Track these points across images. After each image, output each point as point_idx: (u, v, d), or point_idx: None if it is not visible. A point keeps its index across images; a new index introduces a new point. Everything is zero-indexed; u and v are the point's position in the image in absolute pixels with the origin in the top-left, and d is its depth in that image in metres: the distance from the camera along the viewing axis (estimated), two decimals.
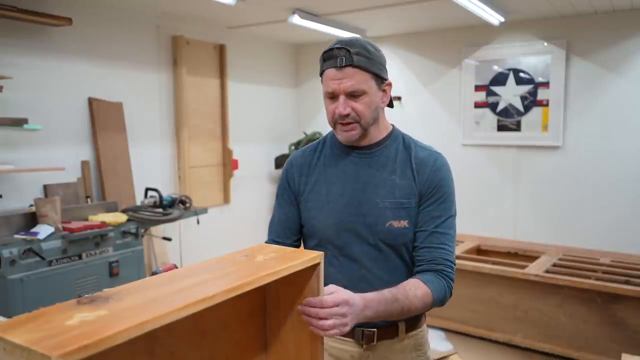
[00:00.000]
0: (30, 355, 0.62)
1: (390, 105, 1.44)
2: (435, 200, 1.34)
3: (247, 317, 1.16)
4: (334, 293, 1.11)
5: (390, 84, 1.38)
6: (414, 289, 1.25)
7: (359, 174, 1.38)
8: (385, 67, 1.36)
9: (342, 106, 1.30)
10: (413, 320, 1.42)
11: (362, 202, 1.35)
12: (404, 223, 1.33)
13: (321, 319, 1.07)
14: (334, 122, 1.36)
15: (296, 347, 1.15)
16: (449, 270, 1.33)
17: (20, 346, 0.63)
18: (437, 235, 1.33)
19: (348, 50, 1.28)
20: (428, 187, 1.34)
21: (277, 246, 1.19)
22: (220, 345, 1.12)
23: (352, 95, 1.30)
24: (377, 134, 1.40)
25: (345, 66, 1.28)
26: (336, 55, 1.29)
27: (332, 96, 1.33)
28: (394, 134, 1.43)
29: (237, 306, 1.12)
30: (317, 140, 1.52)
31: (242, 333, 1.16)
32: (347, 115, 1.31)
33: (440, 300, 1.31)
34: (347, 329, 1.10)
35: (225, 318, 1.12)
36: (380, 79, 1.34)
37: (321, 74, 1.36)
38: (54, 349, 0.61)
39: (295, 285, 1.11)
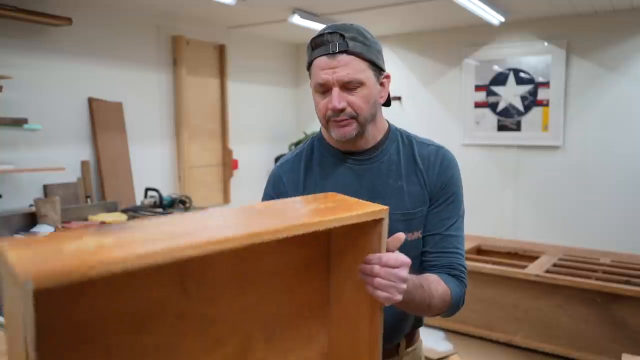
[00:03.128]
0: (11, 275, 0.59)
1: (388, 103, 1.25)
2: (445, 200, 1.21)
3: (307, 272, 1.03)
4: (397, 252, 0.95)
5: (388, 76, 1.21)
6: (435, 283, 1.11)
7: (361, 184, 1.20)
8: (382, 57, 1.18)
9: (337, 99, 1.10)
10: (412, 334, 1.32)
11: None
12: (418, 234, 1.19)
13: (377, 277, 0.92)
14: (326, 119, 1.15)
15: (355, 312, 1.02)
16: (464, 276, 1.20)
17: (6, 263, 0.61)
18: (450, 239, 1.19)
19: (342, 35, 1.09)
20: (438, 188, 1.20)
21: (340, 195, 1.03)
22: (269, 296, 1.00)
23: (348, 87, 1.11)
24: (375, 135, 1.22)
25: (339, 52, 1.09)
26: (328, 41, 1.10)
27: (323, 89, 1.13)
28: (392, 132, 1.25)
29: (294, 258, 1.01)
30: (300, 147, 1.29)
31: (299, 288, 1.03)
32: (343, 111, 1.12)
33: (455, 305, 1.17)
34: (399, 297, 0.93)
35: (277, 268, 1.00)
36: (378, 69, 1.16)
37: (309, 65, 1.16)
38: (28, 272, 0.56)
39: (359, 241, 0.97)
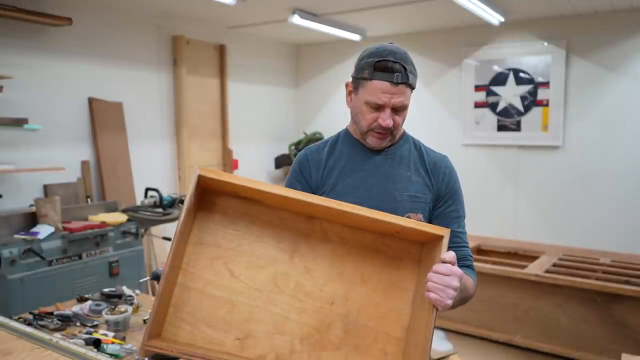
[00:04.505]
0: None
1: None
2: (453, 201, 1.41)
3: (393, 289, 1.20)
4: (454, 264, 1.10)
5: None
6: (465, 279, 1.25)
7: (376, 169, 1.42)
8: None
9: (388, 119, 1.32)
10: None
11: (381, 195, 1.39)
12: (420, 216, 1.38)
13: (430, 281, 1.08)
14: (368, 128, 1.37)
15: (419, 309, 1.16)
16: (473, 265, 1.42)
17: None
18: (461, 235, 1.40)
19: (404, 67, 1.30)
20: (445, 189, 1.41)
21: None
22: (356, 295, 1.19)
23: (396, 109, 1.33)
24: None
25: (401, 83, 1.30)
26: (392, 70, 1.30)
27: (377, 107, 1.33)
28: (406, 136, 1.48)
29: (384, 272, 1.20)
30: (328, 139, 1.52)
31: (382, 300, 1.20)
32: (388, 128, 1.34)
33: (474, 293, 1.36)
34: (448, 303, 1.07)
35: (370, 275, 1.20)
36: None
37: (363, 79, 1.34)
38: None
39: (432, 254, 1.15)
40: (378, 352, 1.17)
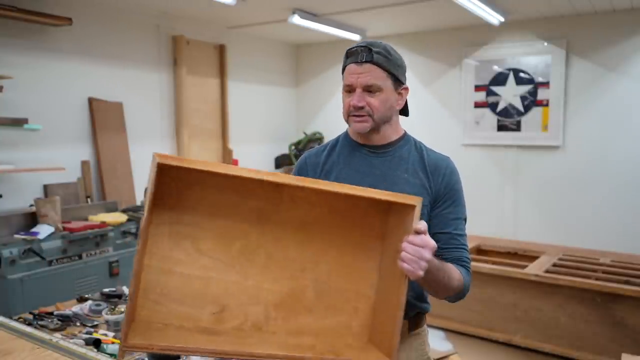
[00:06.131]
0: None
1: (406, 113, 1.49)
2: (452, 203, 1.40)
3: (359, 250, 1.26)
4: (428, 236, 1.13)
5: (407, 89, 1.43)
6: (452, 270, 1.30)
7: (372, 170, 1.43)
8: (404, 72, 1.43)
9: (357, 98, 1.36)
10: (416, 319, 1.45)
11: None
12: None
13: (404, 251, 1.12)
14: (348, 115, 1.40)
15: (385, 286, 1.23)
16: (469, 267, 1.40)
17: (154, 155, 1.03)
18: (458, 237, 1.39)
19: (370, 49, 1.35)
20: (444, 190, 1.40)
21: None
22: (326, 259, 1.24)
23: (369, 90, 1.35)
24: (391, 134, 1.44)
25: (364, 62, 1.34)
26: (358, 52, 1.36)
27: (349, 89, 1.38)
28: (406, 137, 1.48)
29: (350, 235, 1.25)
30: (329, 142, 1.55)
31: (351, 261, 1.25)
32: (362, 108, 1.36)
33: (465, 289, 1.35)
34: (420, 274, 1.11)
35: (336, 238, 1.24)
36: (398, 81, 1.40)
37: (343, 70, 1.42)
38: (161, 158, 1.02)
39: (399, 227, 1.19)
40: (349, 308, 1.25)
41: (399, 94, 1.42)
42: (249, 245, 1.19)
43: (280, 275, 1.21)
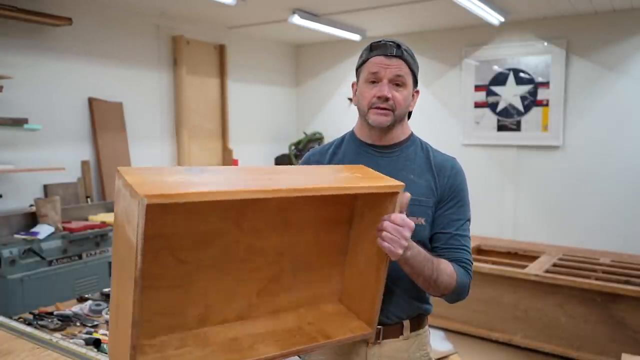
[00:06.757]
0: (132, 192, 0.88)
1: (409, 115, 1.48)
2: (455, 203, 1.39)
3: (332, 225, 1.30)
4: (404, 216, 1.16)
5: (418, 92, 1.44)
6: (444, 265, 1.30)
7: (378, 170, 1.39)
8: (418, 75, 1.43)
9: (385, 88, 1.32)
10: (417, 320, 1.45)
11: None
12: (422, 220, 1.36)
13: (384, 230, 1.14)
14: (369, 106, 1.36)
15: (365, 262, 1.27)
16: (470, 268, 1.38)
17: (128, 184, 0.90)
18: (459, 238, 1.37)
19: (399, 45, 1.34)
20: (448, 191, 1.38)
21: (368, 168, 1.30)
22: (300, 240, 1.27)
23: (395, 82, 1.33)
24: (399, 134, 1.43)
25: (395, 56, 1.33)
26: (387, 46, 1.33)
27: (374, 79, 1.34)
28: (413, 138, 1.47)
29: (324, 213, 1.27)
30: (334, 140, 1.53)
31: (325, 236, 1.30)
32: (388, 100, 1.33)
33: (461, 288, 1.33)
34: (399, 252, 1.14)
35: (310, 219, 1.27)
36: (415, 82, 1.40)
37: (362, 64, 1.39)
38: (145, 192, 0.85)
39: (377, 207, 1.21)
40: (322, 276, 1.32)
41: (412, 95, 1.41)
42: (228, 242, 1.18)
43: (260, 263, 1.23)
